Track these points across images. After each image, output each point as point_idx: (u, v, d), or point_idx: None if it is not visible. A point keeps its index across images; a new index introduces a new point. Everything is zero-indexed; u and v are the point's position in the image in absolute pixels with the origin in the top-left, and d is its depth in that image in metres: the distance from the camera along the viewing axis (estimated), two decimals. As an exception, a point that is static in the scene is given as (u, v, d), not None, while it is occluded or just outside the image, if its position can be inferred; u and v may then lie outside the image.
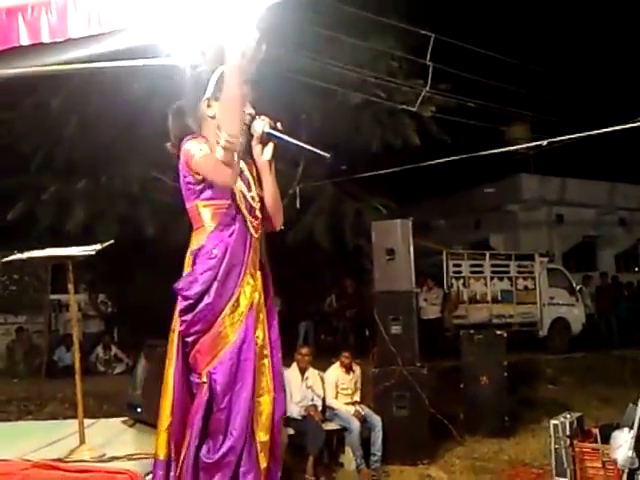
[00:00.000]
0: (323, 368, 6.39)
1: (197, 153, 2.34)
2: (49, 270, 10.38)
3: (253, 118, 2.44)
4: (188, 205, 2.46)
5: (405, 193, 13.00)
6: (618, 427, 4.63)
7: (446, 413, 6.62)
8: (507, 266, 14.28)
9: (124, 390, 5.72)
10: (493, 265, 14.11)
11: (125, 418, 4.84)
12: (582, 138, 9.92)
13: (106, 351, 11.72)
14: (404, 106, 10.01)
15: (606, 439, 4.67)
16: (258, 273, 2.51)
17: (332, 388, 6.22)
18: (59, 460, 3.40)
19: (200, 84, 2.46)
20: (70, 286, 3.69)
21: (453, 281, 13.56)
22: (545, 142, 10.11)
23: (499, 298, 13.94)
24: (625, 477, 4.25)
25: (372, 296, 7.07)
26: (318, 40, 8.87)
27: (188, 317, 2.39)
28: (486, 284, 13.87)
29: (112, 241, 3.21)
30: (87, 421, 3.93)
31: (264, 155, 2.46)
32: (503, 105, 11.99)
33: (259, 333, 2.47)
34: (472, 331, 8.19)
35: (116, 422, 4.76)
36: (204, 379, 2.39)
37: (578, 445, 4.85)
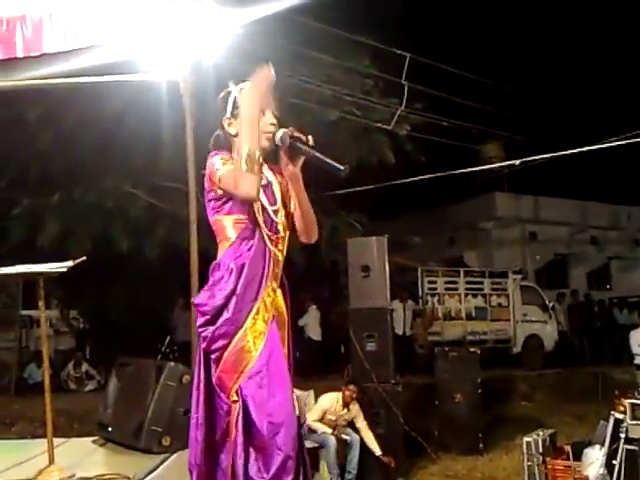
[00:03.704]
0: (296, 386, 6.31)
1: (221, 169, 2.35)
2: (20, 286, 10.21)
3: (278, 128, 2.44)
4: (210, 219, 2.46)
5: (380, 210, 13.08)
6: (590, 444, 4.69)
7: (421, 430, 6.61)
8: (481, 283, 14.39)
9: (95, 409, 5.62)
10: (467, 282, 14.20)
11: (95, 437, 4.75)
12: (555, 157, 10.12)
13: (77, 368, 11.53)
14: (379, 124, 10.12)
15: (578, 456, 4.72)
16: (279, 290, 2.48)
17: (318, 412, 6.02)
18: (27, 481, 3.33)
19: (222, 106, 2.50)
20: (41, 303, 3.63)
21: (428, 298, 13.62)
22: (518, 162, 10.31)
23: (473, 315, 14.02)
24: (596, 494, 4.29)
25: (347, 313, 7.07)
26: (294, 58, 8.94)
27: (208, 333, 2.33)
28: (460, 301, 13.95)
29: (84, 258, 3.17)
30: (57, 440, 3.86)
31: (290, 167, 2.44)
32: (477, 124, 12.19)
33: (284, 350, 2.42)
34: (446, 348, 8.24)
35: (86, 442, 4.68)
36: (234, 397, 2.30)
37: (551, 462, 4.89)
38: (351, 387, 6.04)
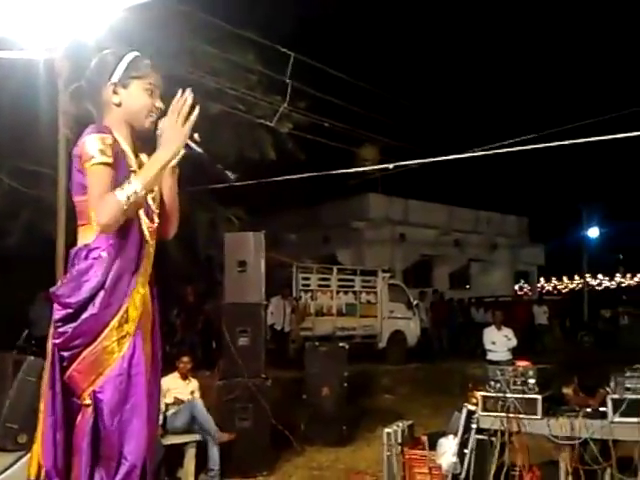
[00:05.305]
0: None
1: (96, 157, 2.06)
2: None
3: (163, 114, 2.22)
4: (76, 199, 2.19)
5: (258, 206, 13.12)
6: (444, 434, 5.01)
7: (288, 424, 6.74)
8: (352, 281, 14.87)
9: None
10: (340, 279, 14.63)
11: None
12: (426, 163, 10.71)
13: None
14: (262, 120, 10.16)
15: (434, 446, 5.01)
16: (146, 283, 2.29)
17: (167, 394, 5.96)
18: None
19: (105, 68, 2.24)
20: None
21: (302, 294, 13.85)
22: (392, 165, 10.78)
23: (344, 311, 14.45)
24: (448, 482, 4.60)
25: (221, 307, 7.06)
26: (178, 47, 8.76)
27: (68, 329, 2.09)
28: (332, 297, 14.33)
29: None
30: None
31: None
32: (356, 127, 12.58)
33: (147, 347, 2.24)
34: (317, 343, 8.47)
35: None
36: (87, 401, 2.12)
37: (408, 452, 5.14)
38: (184, 359, 6.25)
